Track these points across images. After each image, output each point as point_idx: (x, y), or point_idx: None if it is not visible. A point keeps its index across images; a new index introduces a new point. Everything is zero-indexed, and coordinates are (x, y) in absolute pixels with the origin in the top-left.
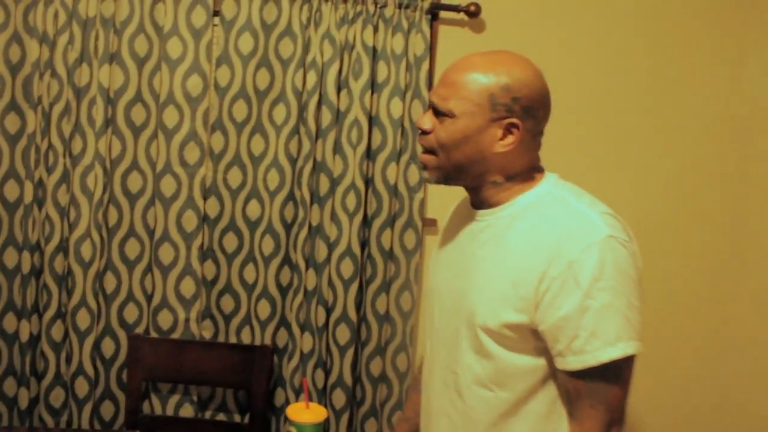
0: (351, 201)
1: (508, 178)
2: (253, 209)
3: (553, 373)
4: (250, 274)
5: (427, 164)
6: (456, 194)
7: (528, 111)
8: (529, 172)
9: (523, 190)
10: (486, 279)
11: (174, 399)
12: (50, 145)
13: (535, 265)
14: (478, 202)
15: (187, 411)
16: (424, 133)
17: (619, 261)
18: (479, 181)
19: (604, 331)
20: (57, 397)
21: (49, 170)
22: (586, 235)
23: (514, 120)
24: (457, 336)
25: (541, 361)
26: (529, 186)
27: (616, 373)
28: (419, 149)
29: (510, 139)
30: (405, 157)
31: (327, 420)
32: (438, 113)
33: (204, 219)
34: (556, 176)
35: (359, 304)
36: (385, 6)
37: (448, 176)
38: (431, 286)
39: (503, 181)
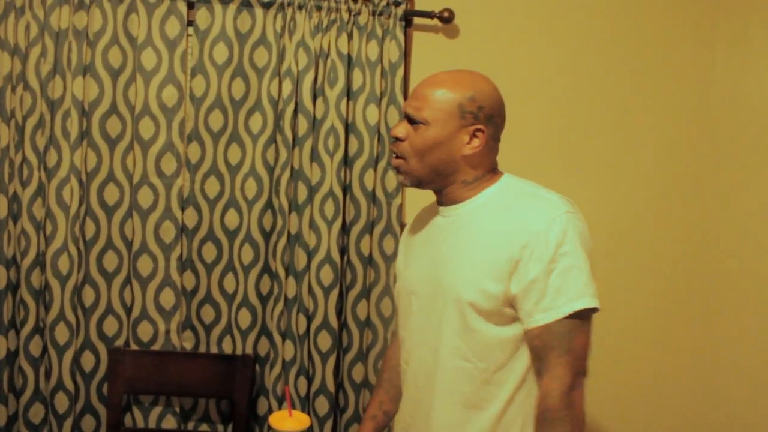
0: (329, 208)
1: (474, 177)
2: (232, 219)
3: (525, 345)
4: (229, 283)
5: (401, 168)
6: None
7: (490, 118)
8: (490, 171)
9: (486, 186)
10: (462, 259)
11: (156, 411)
12: (24, 159)
13: (507, 239)
14: (446, 200)
15: (170, 423)
16: (398, 140)
17: (578, 230)
18: (449, 181)
19: (567, 289)
20: (36, 413)
21: (24, 184)
22: (549, 211)
23: (480, 126)
24: (438, 318)
25: (518, 331)
26: (490, 183)
27: (580, 324)
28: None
29: (476, 142)
30: (382, 164)
31: (310, 427)
32: (412, 122)
33: (182, 229)
34: (511, 175)
35: (340, 311)
36: (359, 14)
37: (421, 179)
38: (404, 284)
39: (471, 180)
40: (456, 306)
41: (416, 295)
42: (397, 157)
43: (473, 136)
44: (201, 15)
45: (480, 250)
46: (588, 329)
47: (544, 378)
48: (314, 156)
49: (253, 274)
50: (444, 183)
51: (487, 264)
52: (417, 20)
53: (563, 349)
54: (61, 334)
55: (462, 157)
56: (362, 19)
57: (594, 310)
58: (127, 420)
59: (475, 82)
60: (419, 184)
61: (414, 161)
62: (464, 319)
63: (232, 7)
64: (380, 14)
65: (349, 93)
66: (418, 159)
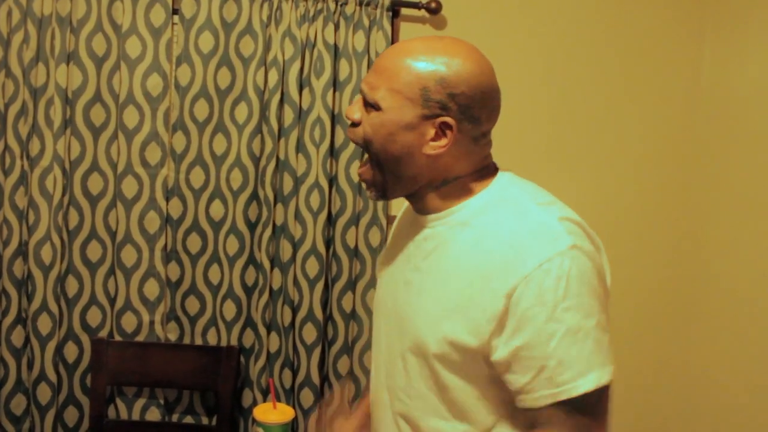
0: (315, 200)
1: (444, 182)
2: (217, 209)
3: (515, 406)
4: (214, 274)
5: (366, 179)
6: None
7: (466, 111)
8: (474, 174)
9: (469, 194)
10: (430, 300)
11: (140, 403)
12: (6, 147)
13: (488, 280)
14: (420, 208)
15: (154, 415)
16: (354, 125)
17: (585, 275)
18: (413, 185)
19: (574, 359)
20: (18, 404)
21: (6, 172)
22: (545, 246)
23: (448, 119)
24: (405, 362)
25: (501, 393)
26: (477, 189)
27: (592, 405)
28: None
29: (443, 141)
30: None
31: (295, 420)
32: (366, 104)
33: (167, 220)
34: (510, 175)
35: (325, 303)
36: (345, 3)
37: (374, 181)
38: (377, 298)
39: (440, 186)
40: (421, 356)
41: (386, 324)
42: (364, 163)
43: (440, 131)
44: (186, 3)
45: (453, 288)
46: (604, 407)
47: None
48: (300, 147)
49: (238, 265)
50: (408, 187)
51: (461, 310)
52: (404, 11)
53: None
54: (44, 324)
55: (423, 155)
56: (349, 9)
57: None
58: (111, 412)
59: (453, 59)
60: (383, 194)
61: (371, 155)
62: (433, 372)
63: None
64: (367, 4)
65: (335, 84)
66: (371, 152)
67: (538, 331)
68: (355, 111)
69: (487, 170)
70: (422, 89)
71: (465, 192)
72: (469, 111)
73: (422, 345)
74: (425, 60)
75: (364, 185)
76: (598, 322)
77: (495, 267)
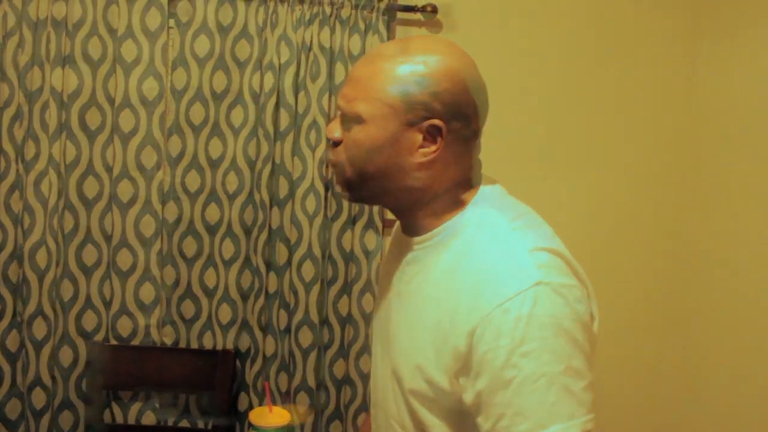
0: (311, 203)
1: (435, 195)
2: (213, 213)
3: None
4: (210, 278)
5: (337, 180)
6: None
7: (452, 108)
8: (460, 186)
9: (458, 208)
10: (407, 331)
11: (136, 407)
12: (1, 151)
13: (455, 315)
14: (407, 227)
15: (150, 419)
16: (336, 144)
17: (553, 315)
18: (401, 200)
19: (533, 410)
20: (13, 409)
21: (1, 176)
22: (508, 282)
23: (436, 122)
24: (394, 392)
25: None
26: (464, 202)
27: None
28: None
29: (433, 147)
30: None
31: (292, 424)
32: (345, 120)
33: (163, 223)
34: (490, 189)
35: (321, 307)
36: (341, 7)
37: (361, 195)
38: (375, 311)
39: (430, 200)
40: (401, 392)
41: (379, 348)
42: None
43: (429, 135)
44: (182, 7)
45: (426, 321)
46: None
47: None
48: (296, 150)
49: (234, 268)
50: (394, 203)
51: (431, 345)
52: (400, 14)
53: None
54: (39, 328)
55: (414, 165)
56: (345, 13)
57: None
58: (106, 416)
59: (431, 56)
60: (358, 199)
61: (349, 171)
62: (413, 409)
63: (214, 0)
64: (363, 8)
65: (331, 87)
66: (354, 168)
67: (495, 377)
68: (335, 129)
69: (468, 183)
70: (402, 93)
71: (453, 207)
72: (456, 108)
73: (400, 379)
74: (401, 62)
75: (336, 182)
76: (567, 367)
77: (463, 300)
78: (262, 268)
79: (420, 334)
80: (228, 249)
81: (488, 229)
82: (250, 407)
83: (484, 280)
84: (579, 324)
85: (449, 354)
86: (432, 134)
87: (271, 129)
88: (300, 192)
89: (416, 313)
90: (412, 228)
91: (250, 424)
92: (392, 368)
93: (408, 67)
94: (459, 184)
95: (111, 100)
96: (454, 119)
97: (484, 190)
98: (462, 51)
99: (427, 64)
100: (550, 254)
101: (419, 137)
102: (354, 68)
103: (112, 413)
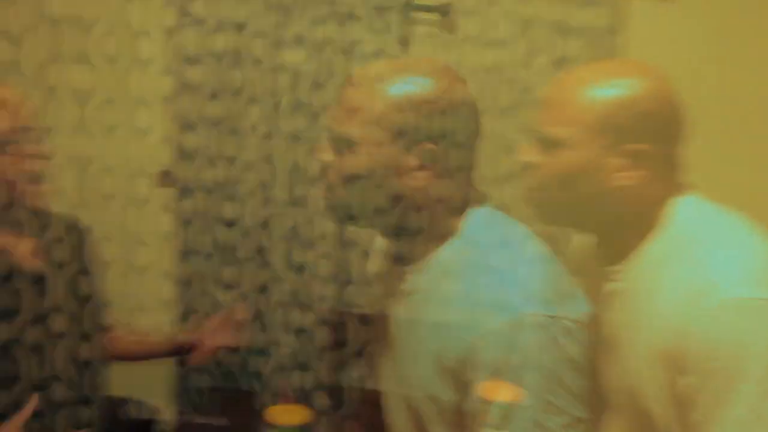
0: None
1: (433, 219)
2: (229, 210)
3: None
4: (227, 275)
5: (327, 201)
6: None
7: (441, 129)
8: (458, 206)
9: (446, 237)
10: (419, 337)
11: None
12: None
13: (450, 334)
14: (398, 251)
15: (166, 414)
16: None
17: (542, 348)
18: (394, 224)
19: None
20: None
21: None
22: (492, 310)
23: (429, 146)
24: (407, 407)
25: None
26: (457, 225)
27: None
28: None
29: (425, 173)
30: None
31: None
32: (336, 142)
33: (179, 220)
34: (486, 210)
35: (338, 305)
36: (357, 6)
37: (350, 215)
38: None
39: (424, 225)
40: (407, 403)
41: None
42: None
43: (422, 158)
44: (198, 4)
45: (430, 334)
46: None
47: None
48: (312, 148)
49: (251, 266)
50: (386, 229)
51: (433, 359)
52: (415, 14)
53: None
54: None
55: (410, 189)
56: (361, 12)
57: None
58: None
59: (419, 76)
60: (348, 219)
61: (339, 193)
62: (420, 425)
63: None
64: (379, 7)
65: None
66: (345, 191)
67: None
68: (326, 152)
69: (469, 201)
70: (390, 122)
71: (443, 233)
72: (446, 128)
73: (408, 391)
74: (395, 80)
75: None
76: (547, 404)
77: (456, 323)
78: (280, 266)
79: (426, 345)
80: (245, 246)
81: (486, 253)
82: (267, 406)
83: (477, 301)
84: (563, 360)
85: (447, 369)
86: (426, 157)
87: (287, 127)
88: (317, 190)
89: (420, 345)
90: (407, 257)
91: (267, 423)
92: (403, 377)
93: (402, 86)
94: (456, 204)
95: (128, 97)
96: (442, 139)
97: (475, 213)
98: (452, 70)
99: (417, 85)
100: (544, 280)
101: (414, 161)
102: (348, 97)
103: None
